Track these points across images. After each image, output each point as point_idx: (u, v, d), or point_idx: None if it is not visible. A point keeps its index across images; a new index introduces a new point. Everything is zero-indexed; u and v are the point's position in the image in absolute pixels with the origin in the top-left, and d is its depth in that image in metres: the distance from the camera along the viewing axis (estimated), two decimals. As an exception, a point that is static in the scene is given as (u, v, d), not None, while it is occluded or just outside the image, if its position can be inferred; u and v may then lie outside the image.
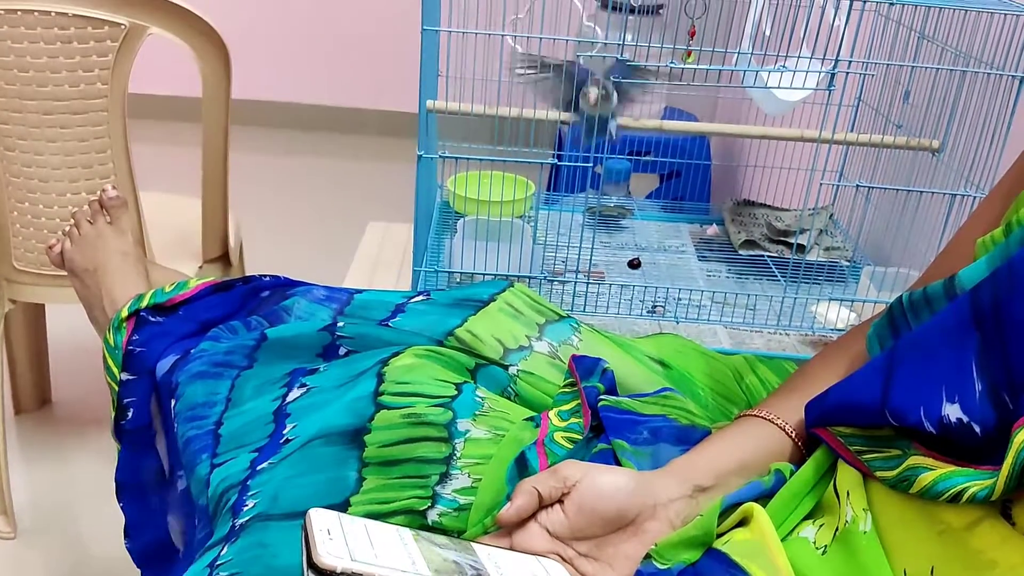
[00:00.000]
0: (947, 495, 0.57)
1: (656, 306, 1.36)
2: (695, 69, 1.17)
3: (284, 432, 0.78)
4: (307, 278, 1.00)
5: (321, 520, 0.58)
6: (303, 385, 0.82)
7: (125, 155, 1.47)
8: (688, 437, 0.77)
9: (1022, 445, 0.54)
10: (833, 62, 1.18)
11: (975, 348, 0.59)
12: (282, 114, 3.75)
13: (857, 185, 1.29)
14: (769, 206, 1.70)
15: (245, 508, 0.72)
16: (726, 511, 0.67)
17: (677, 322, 1.33)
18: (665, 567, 0.64)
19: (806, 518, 0.69)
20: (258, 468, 0.75)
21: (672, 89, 1.97)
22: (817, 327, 1.32)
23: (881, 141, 1.31)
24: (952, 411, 0.59)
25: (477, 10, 1.25)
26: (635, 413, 0.79)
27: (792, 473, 0.70)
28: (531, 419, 0.79)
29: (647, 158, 1.98)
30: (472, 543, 0.65)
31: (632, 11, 1.77)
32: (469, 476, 0.73)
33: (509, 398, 0.84)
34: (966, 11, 1.26)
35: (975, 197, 1.22)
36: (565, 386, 0.85)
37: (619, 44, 1.13)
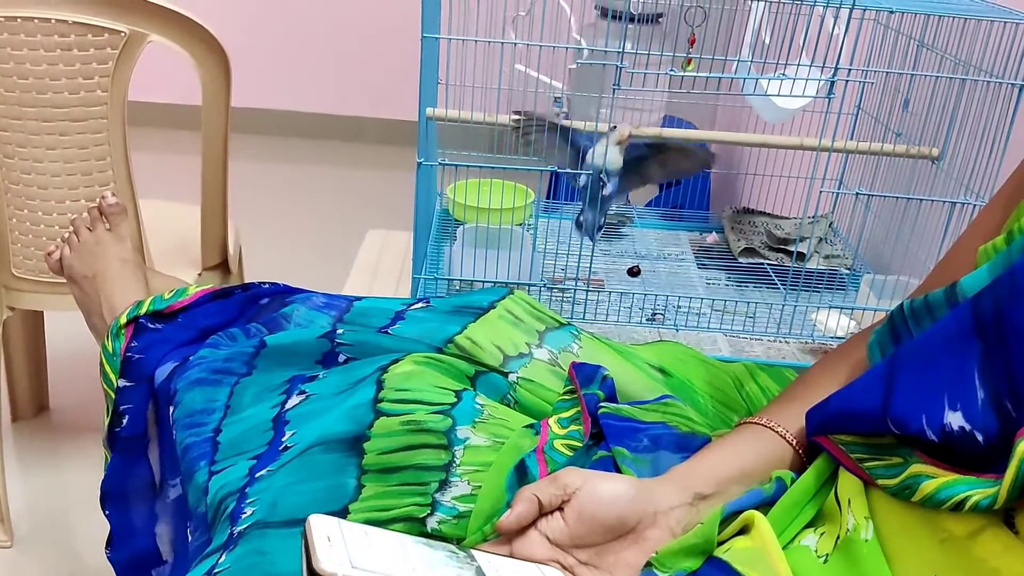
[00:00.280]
0: (949, 503, 0.57)
1: (656, 314, 1.36)
2: (695, 77, 1.17)
3: (283, 439, 0.77)
4: (306, 286, 1.00)
5: (321, 526, 0.58)
6: (302, 392, 0.81)
7: (125, 162, 1.47)
8: (688, 444, 0.77)
9: (1025, 453, 0.53)
10: (833, 70, 1.18)
11: (977, 356, 0.59)
12: (281, 122, 3.75)
13: (857, 193, 1.29)
14: (769, 214, 1.70)
15: (243, 515, 0.71)
16: (727, 519, 0.67)
17: (677, 330, 1.33)
18: (665, 575, 0.64)
19: (807, 526, 0.68)
20: (257, 475, 0.75)
21: (672, 97, 1.97)
22: (817, 335, 1.32)
23: (881, 149, 1.31)
24: (954, 419, 0.58)
25: (477, 18, 1.26)
26: (635, 420, 0.78)
27: (793, 481, 0.70)
28: (531, 426, 0.79)
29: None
30: (472, 550, 0.65)
31: (632, 19, 1.78)
32: (469, 483, 0.72)
33: (509, 405, 0.84)
34: (965, 19, 1.26)
35: (975, 205, 1.22)
36: (565, 393, 0.84)
37: (619, 52, 1.13)
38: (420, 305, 0.91)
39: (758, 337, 1.33)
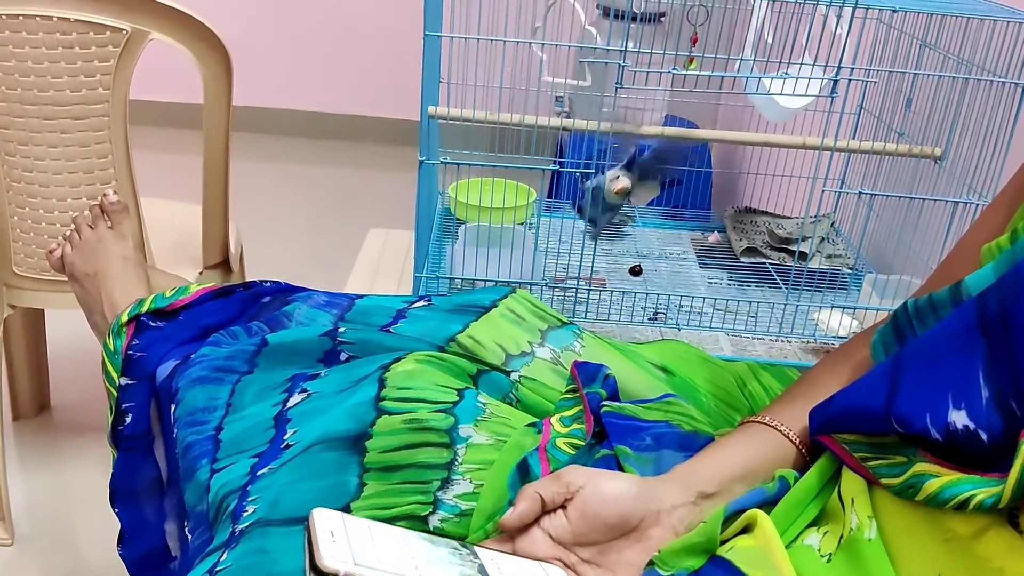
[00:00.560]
0: (953, 502, 0.57)
1: (657, 313, 1.36)
2: (697, 76, 1.17)
3: (285, 438, 0.77)
4: (307, 285, 1.00)
5: (325, 521, 0.58)
6: (304, 390, 0.81)
7: (126, 160, 1.47)
8: (691, 443, 0.77)
9: (1030, 453, 0.53)
10: (835, 69, 1.18)
11: (982, 355, 0.58)
12: (283, 121, 3.75)
13: (859, 192, 1.29)
14: (771, 213, 1.70)
15: (245, 514, 0.71)
16: (730, 518, 0.67)
17: (679, 329, 1.32)
18: (668, 573, 0.64)
19: (810, 525, 0.68)
20: (258, 473, 0.74)
21: (674, 96, 1.97)
22: (819, 334, 1.32)
23: (883, 149, 1.30)
24: (958, 418, 0.58)
25: (479, 16, 1.25)
26: (638, 419, 0.78)
27: (796, 480, 0.70)
28: (533, 425, 0.79)
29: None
30: (475, 547, 0.65)
31: (634, 19, 1.78)
32: (471, 481, 0.72)
33: (511, 404, 0.84)
34: (968, 19, 1.26)
35: (977, 205, 1.21)
36: (567, 392, 0.84)
37: (621, 51, 1.13)
38: (422, 303, 0.91)
39: (760, 336, 1.33)
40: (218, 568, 0.68)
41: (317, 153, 3.68)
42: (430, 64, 1.24)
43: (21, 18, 1.33)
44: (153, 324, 0.92)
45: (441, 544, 0.62)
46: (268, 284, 0.99)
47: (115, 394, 0.90)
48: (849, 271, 1.49)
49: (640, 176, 1.35)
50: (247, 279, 1.44)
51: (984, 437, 0.57)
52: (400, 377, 0.77)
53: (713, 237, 1.65)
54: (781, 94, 1.28)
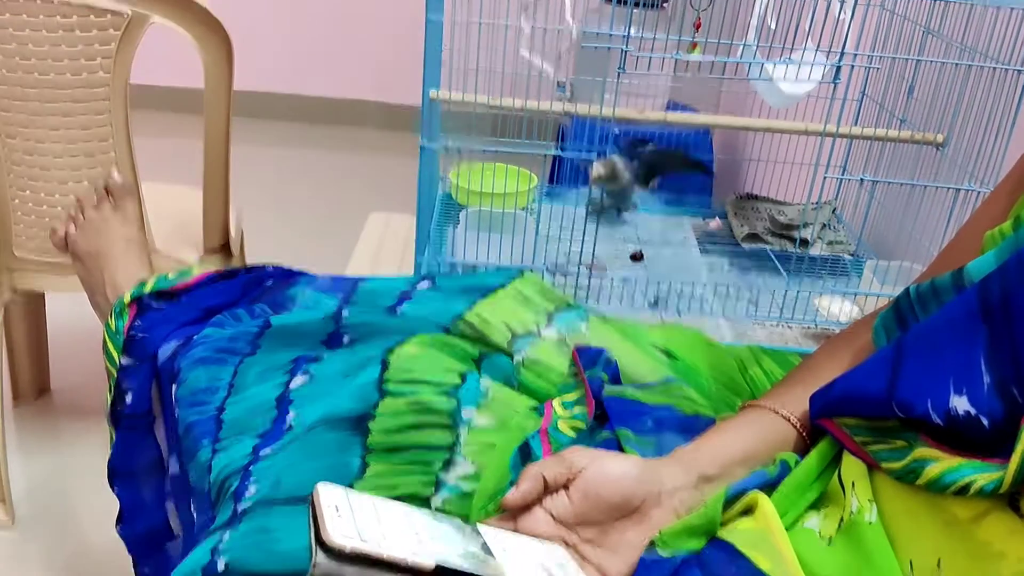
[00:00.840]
0: (954, 487, 0.57)
1: (659, 299, 1.36)
2: (700, 61, 1.17)
3: (287, 419, 0.77)
4: (308, 269, 1.00)
5: (329, 496, 0.58)
6: (307, 372, 0.81)
7: (127, 144, 1.47)
8: (692, 426, 0.77)
9: (1031, 438, 0.53)
10: (838, 55, 1.17)
11: (983, 341, 0.58)
12: (284, 106, 3.74)
13: (861, 179, 1.29)
14: (772, 200, 1.70)
15: (247, 493, 0.72)
16: (731, 500, 0.67)
17: (679, 315, 1.33)
18: (669, 555, 0.64)
19: (810, 508, 0.68)
20: (261, 454, 0.75)
21: (676, 82, 1.96)
22: (820, 320, 1.32)
23: (885, 135, 1.30)
24: (960, 403, 0.58)
25: (481, 0, 1.25)
26: (639, 403, 0.78)
27: (797, 463, 0.70)
28: (535, 409, 0.79)
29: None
30: (478, 524, 0.65)
31: (636, 4, 1.77)
32: (473, 463, 0.72)
33: (513, 388, 0.84)
34: (971, 5, 1.26)
35: (979, 192, 1.21)
36: (569, 376, 0.84)
37: (624, 36, 1.12)
38: (426, 284, 0.91)
39: (761, 322, 1.33)
40: (220, 547, 0.68)
41: (318, 138, 3.67)
42: (432, 48, 1.24)
43: (22, 1, 1.32)
44: (155, 305, 0.92)
45: (444, 521, 0.62)
46: (271, 268, 0.99)
47: (115, 374, 0.90)
48: (850, 257, 1.49)
49: (636, 176, 1.38)
50: (247, 264, 1.44)
51: (985, 422, 0.57)
52: (403, 359, 0.77)
53: (714, 223, 1.65)
54: (784, 80, 1.28)
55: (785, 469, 0.69)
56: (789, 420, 0.74)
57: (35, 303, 1.87)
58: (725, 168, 2.36)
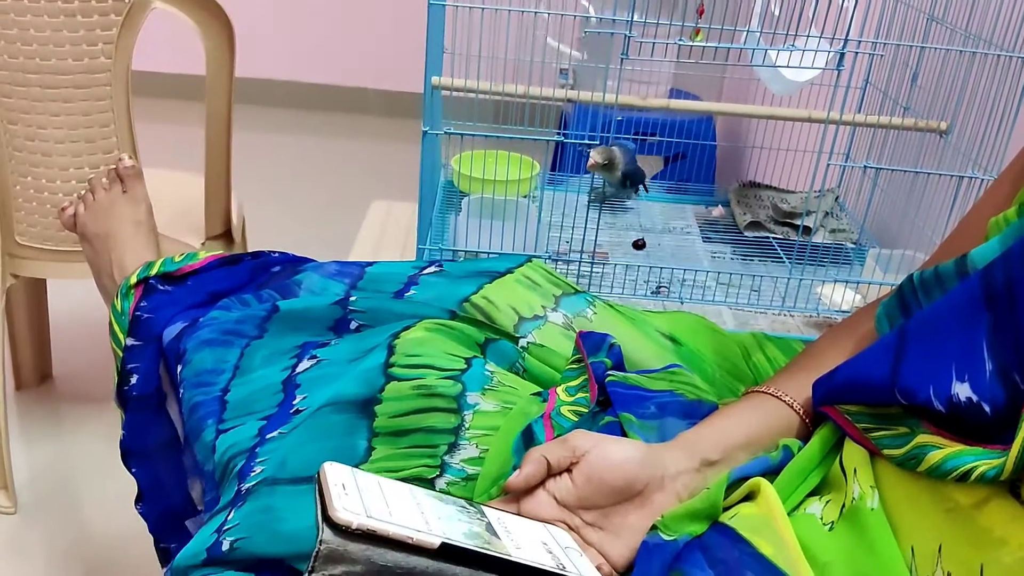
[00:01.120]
0: (955, 474, 0.57)
1: (660, 287, 1.36)
2: (704, 47, 1.17)
3: (294, 403, 0.78)
4: (310, 257, 1.00)
5: (336, 475, 0.58)
6: (313, 357, 0.82)
7: (128, 130, 1.47)
8: (695, 411, 0.77)
9: (1033, 425, 0.53)
10: (842, 43, 1.17)
11: (986, 327, 0.58)
12: (285, 93, 3.74)
13: (864, 166, 1.29)
14: (775, 188, 1.69)
15: (252, 473, 0.72)
16: (733, 485, 0.67)
17: (682, 302, 1.33)
18: (671, 538, 0.64)
19: (812, 494, 0.68)
20: (267, 436, 0.75)
21: (679, 69, 1.96)
22: (822, 308, 1.32)
23: (889, 123, 1.30)
24: (962, 390, 0.58)
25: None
26: (642, 388, 0.78)
27: (800, 449, 0.70)
28: (539, 394, 0.79)
29: (652, 139, 1.97)
30: (482, 506, 0.65)
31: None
32: (477, 447, 0.73)
33: (517, 374, 0.84)
34: (976, -8, 1.25)
35: (982, 180, 1.21)
36: (572, 362, 0.84)
37: (627, 21, 1.12)
38: (433, 269, 0.91)
39: (763, 310, 1.33)
40: (225, 527, 0.68)
41: (320, 125, 3.66)
42: (434, 34, 1.24)
43: (23, -15, 1.32)
44: (161, 288, 0.93)
45: (449, 501, 0.63)
46: (276, 254, 0.99)
47: (120, 355, 0.90)
48: (853, 246, 1.49)
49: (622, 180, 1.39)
50: (249, 250, 1.43)
51: (987, 409, 0.57)
52: (409, 344, 0.77)
53: (717, 211, 1.65)
54: (787, 67, 1.27)
55: (787, 455, 0.70)
56: (792, 406, 0.74)
57: (37, 289, 1.87)
58: (728, 156, 2.36)
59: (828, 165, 1.25)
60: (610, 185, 1.40)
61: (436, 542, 0.55)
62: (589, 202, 1.37)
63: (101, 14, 1.36)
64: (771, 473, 0.68)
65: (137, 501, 0.94)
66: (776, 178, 1.73)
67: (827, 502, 0.66)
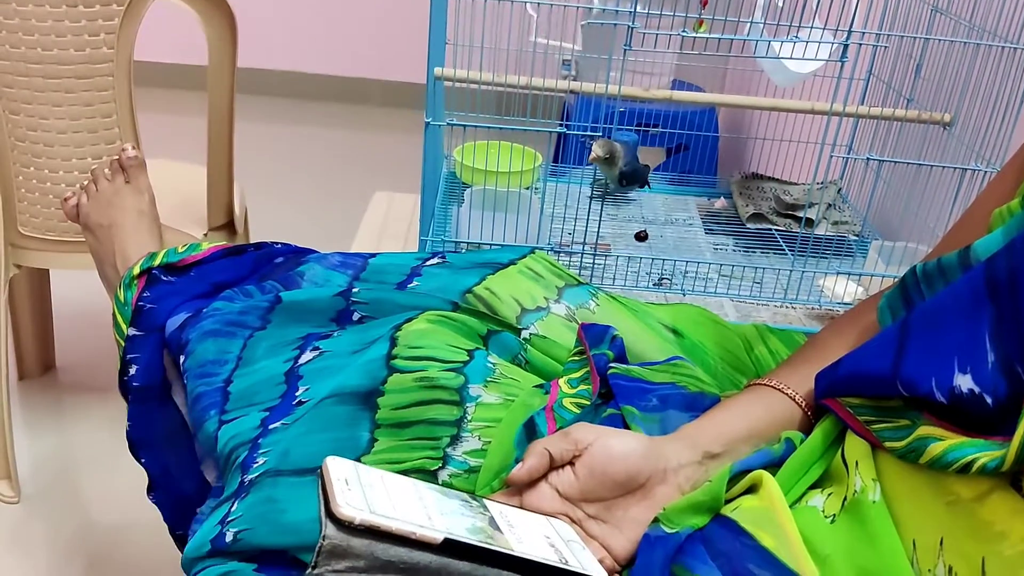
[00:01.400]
0: (957, 465, 0.57)
1: (663, 278, 1.36)
2: (707, 38, 1.16)
3: (297, 394, 0.78)
4: (312, 248, 1.00)
5: (338, 469, 0.58)
6: (316, 348, 0.82)
7: (131, 120, 1.47)
8: (697, 404, 0.77)
9: (1034, 416, 0.53)
10: (846, 34, 1.17)
11: (989, 319, 0.58)
12: (288, 83, 3.73)
13: (867, 158, 1.28)
14: (777, 179, 1.69)
15: (255, 464, 0.72)
16: (735, 478, 0.67)
17: (684, 295, 1.32)
18: (673, 531, 0.64)
19: (814, 487, 0.68)
20: (270, 427, 0.75)
21: (681, 60, 1.95)
22: (824, 301, 1.32)
23: (892, 114, 1.30)
24: (964, 381, 0.58)
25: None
26: (644, 381, 0.78)
27: (802, 442, 0.70)
28: (541, 386, 0.79)
29: (655, 130, 1.97)
30: (484, 499, 0.65)
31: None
32: (479, 439, 0.73)
33: (520, 365, 0.84)
34: (981, -17, 1.25)
35: (986, 172, 1.21)
36: (574, 355, 0.84)
37: (630, 12, 1.12)
38: (436, 260, 0.91)
39: (765, 303, 1.33)
40: (229, 518, 0.68)
41: (322, 116, 3.66)
42: (437, 24, 1.24)
43: (25, -25, 1.32)
44: (164, 278, 0.93)
45: (452, 496, 0.63)
46: (279, 245, 0.99)
47: (123, 345, 0.91)
48: (855, 238, 1.48)
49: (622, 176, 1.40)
50: (251, 241, 1.44)
51: (989, 401, 0.57)
52: (412, 336, 0.77)
53: (719, 203, 1.65)
54: (791, 58, 1.27)
55: (790, 447, 0.70)
56: (794, 399, 0.74)
57: (40, 280, 1.87)
58: (730, 147, 2.35)
59: (831, 157, 1.25)
60: (609, 182, 1.40)
61: (439, 537, 0.55)
62: (591, 194, 1.36)
63: (103, 4, 1.36)
64: (773, 466, 0.69)
65: (149, 490, 0.94)
66: (779, 170, 1.73)
67: (829, 495, 0.66)
